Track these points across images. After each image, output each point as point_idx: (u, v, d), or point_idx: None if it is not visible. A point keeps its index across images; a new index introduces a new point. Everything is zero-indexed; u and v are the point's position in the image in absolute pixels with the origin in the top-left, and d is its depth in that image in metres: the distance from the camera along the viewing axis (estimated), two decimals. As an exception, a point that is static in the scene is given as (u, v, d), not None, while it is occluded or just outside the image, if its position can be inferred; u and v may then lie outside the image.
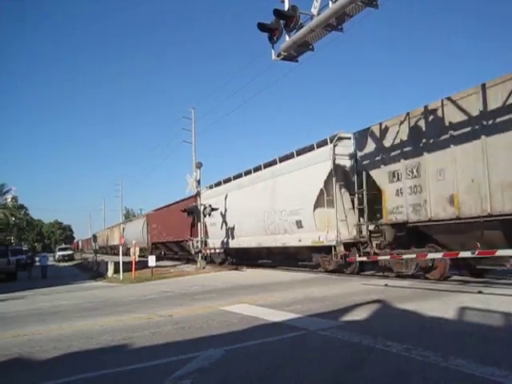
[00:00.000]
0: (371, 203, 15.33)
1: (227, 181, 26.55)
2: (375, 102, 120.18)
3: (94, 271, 28.92)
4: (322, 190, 16.85)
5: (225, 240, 25.59)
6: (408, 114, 13.44)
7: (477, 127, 11.37)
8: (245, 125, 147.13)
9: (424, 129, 12.95)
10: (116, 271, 22.99)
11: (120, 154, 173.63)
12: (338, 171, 16.68)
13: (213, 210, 25.69)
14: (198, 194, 26.55)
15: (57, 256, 63.06)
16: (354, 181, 16.07)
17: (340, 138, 16.92)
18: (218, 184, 27.83)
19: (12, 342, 7.66)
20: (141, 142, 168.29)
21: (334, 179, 16.60)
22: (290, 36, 10.50)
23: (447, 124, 12.14)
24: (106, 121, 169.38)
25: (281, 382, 4.82)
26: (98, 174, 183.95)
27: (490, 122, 11.10)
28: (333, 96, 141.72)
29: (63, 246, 79.65)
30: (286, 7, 10.21)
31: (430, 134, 12.72)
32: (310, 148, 18.40)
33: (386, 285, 12.52)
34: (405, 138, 13.53)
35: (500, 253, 10.39)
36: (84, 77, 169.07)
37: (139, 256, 24.98)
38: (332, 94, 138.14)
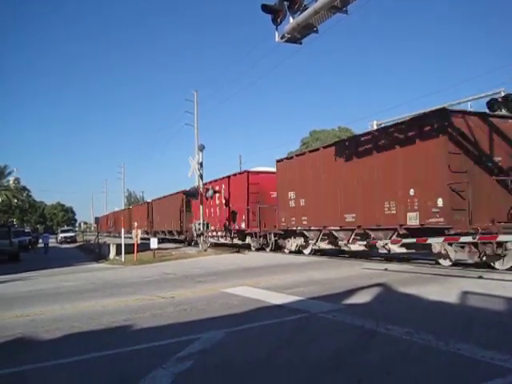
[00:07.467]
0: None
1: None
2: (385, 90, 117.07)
3: (96, 253, 29.00)
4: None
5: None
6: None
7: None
8: (248, 111, 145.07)
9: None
10: (118, 253, 23.06)
11: (123, 137, 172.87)
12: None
13: (215, 192, 25.65)
14: (200, 176, 26.53)
15: (59, 238, 59.20)
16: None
17: None
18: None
19: (15, 323, 7.70)
20: (145, 126, 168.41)
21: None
22: (293, 18, 10.29)
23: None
24: (110, 104, 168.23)
25: (282, 364, 4.82)
26: (101, 156, 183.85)
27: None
28: (338, 84, 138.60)
29: (65, 227, 77.55)
30: (291, -12, 10.01)
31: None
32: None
33: (386, 269, 12.56)
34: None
35: (501, 238, 10.42)
36: (90, 61, 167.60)
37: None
38: (336, 82, 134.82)
